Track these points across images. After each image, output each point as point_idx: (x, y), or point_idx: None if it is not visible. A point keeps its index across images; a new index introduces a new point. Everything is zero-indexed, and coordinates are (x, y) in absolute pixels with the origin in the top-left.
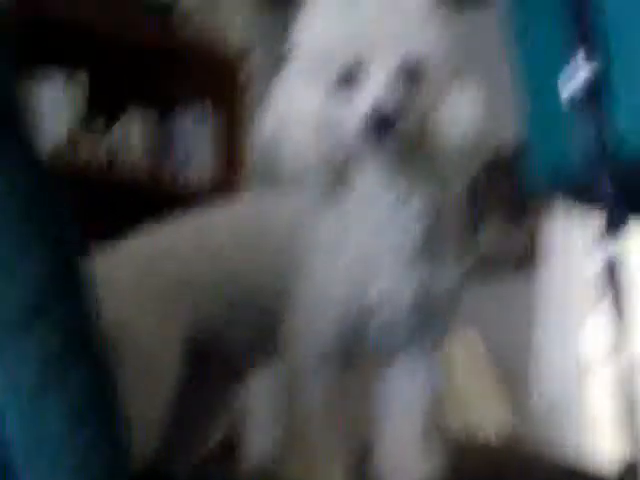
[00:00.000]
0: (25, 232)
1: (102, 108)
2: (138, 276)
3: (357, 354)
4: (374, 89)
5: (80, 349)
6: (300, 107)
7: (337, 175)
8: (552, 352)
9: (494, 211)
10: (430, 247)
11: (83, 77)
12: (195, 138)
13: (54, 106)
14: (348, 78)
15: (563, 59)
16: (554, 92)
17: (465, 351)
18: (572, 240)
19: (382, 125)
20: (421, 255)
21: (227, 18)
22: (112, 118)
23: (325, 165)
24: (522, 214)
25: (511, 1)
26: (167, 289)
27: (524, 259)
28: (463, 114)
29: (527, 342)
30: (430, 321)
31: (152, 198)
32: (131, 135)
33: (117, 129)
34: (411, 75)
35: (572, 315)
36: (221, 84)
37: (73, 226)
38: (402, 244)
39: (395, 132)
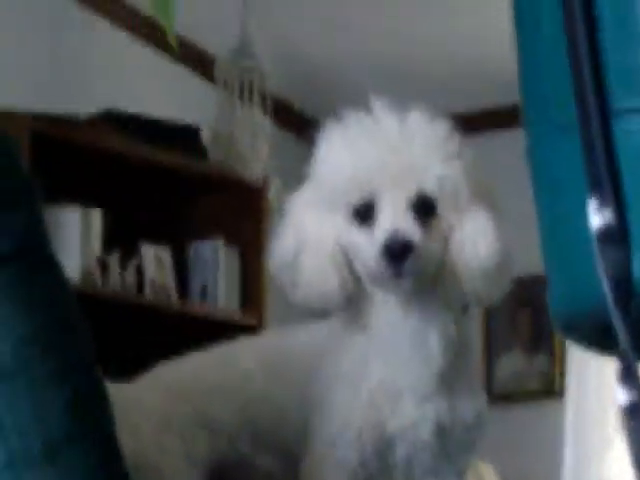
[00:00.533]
0: (58, 360)
1: (117, 244)
2: (166, 401)
3: None
4: (390, 220)
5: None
6: (316, 234)
7: (354, 305)
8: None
9: (514, 343)
10: (448, 380)
11: (98, 213)
12: (212, 270)
13: (69, 241)
14: (363, 209)
15: (582, 196)
16: (574, 226)
17: None
18: (596, 368)
19: (399, 253)
20: (440, 388)
21: (246, 150)
22: (127, 254)
23: (341, 293)
24: (543, 344)
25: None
26: (193, 416)
27: (546, 390)
28: (479, 239)
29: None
30: (451, 453)
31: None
32: (146, 270)
33: (132, 265)
34: (425, 207)
35: (597, 443)
36: (240, 215)
37: (95, 353)
38: (421, 377)
39: (412, 260)
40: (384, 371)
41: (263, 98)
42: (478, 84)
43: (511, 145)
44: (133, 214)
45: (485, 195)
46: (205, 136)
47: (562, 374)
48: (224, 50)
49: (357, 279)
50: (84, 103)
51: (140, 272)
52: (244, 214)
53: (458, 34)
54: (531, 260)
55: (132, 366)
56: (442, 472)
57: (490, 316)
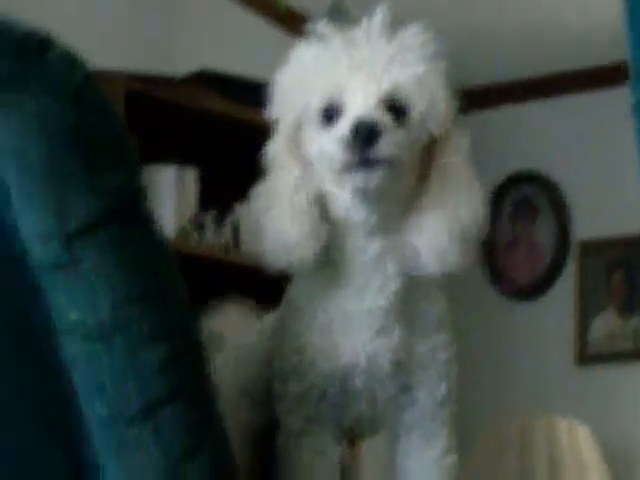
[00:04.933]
0: (155, 320)
1: (213, 203)
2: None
3: (348, 419)
4: (357, 110)
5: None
6: (277, 184)
7: (322, 251)
8: None
9: (608, 303)
10: (406, 315)
11: (193, 172)
12: None
13: (165, 201)
14: (331, 110)
15: None
16: None
17: (571, 442)
18: None
19: (366, 133)
20: (397, 321)
21: None
22: (223, 212)
23: (313, 246)
24: (637, 305)
25: None
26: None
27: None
28: (462, 214)
29: None
30: (413, 387)
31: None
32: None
33: (227, 223)
34: (398, 107)
35: None
36: None
37: (193, 312)
38: (377, 306)
39: (382, 145)
40: (341, 300)
41: None
42: (582, 41)
43: (612, 103)
44: (228, 173)
45: (463, 149)
46: None
47: None
48: (318, 9)
49: (329, 227)
50: (179, 64)
51: (236, 231)
52: None
53: None
54: (626, 222)
55: None
56: (406, 403)
57: (584, 276)
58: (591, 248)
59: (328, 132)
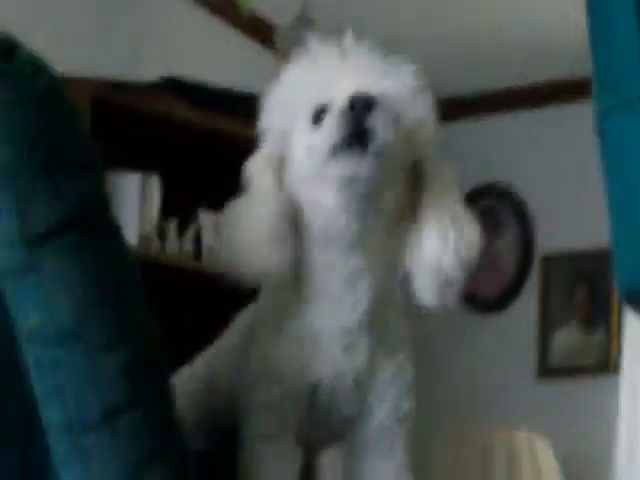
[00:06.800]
0: (116, 325)
1: (175, 211)
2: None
3: (310, 430)
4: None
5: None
6: (254, 200)
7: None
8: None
9: (571, 317)
10: (373, 331)
11: (157, 180)
12: None
13: (128, 208)
14: (321, 112)
15: None
16: None
17: (530, 455)
18: None
19: (363, 104)
20: (364, 337)
21: None
22: (185, 221)
23: (285, 261)
24: (600, 320)
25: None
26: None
27: (602, 366)
28: (450, 237)
29: (603, 454)
30: (373, 405)
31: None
32: (204, 237)
33: (190, 232)
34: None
35: None
36: None
37: (152, 313)
38: (348, 322)
39: (379, 120)
40: (311, 316)
41: None
42: (547, 55)
43: (576, 117)
44: (192, 181)
45: (451, 181)
46: None
47: (619, 350)
48: (284, 18)
49: (301, 242)
50: (144, 71)
51: (198, 239)
52: None
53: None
54: (589, 235)
55: (189, 332)
56: (366, 419)
57: (547, 290)
58: (554, 262)
59: (317, 130)
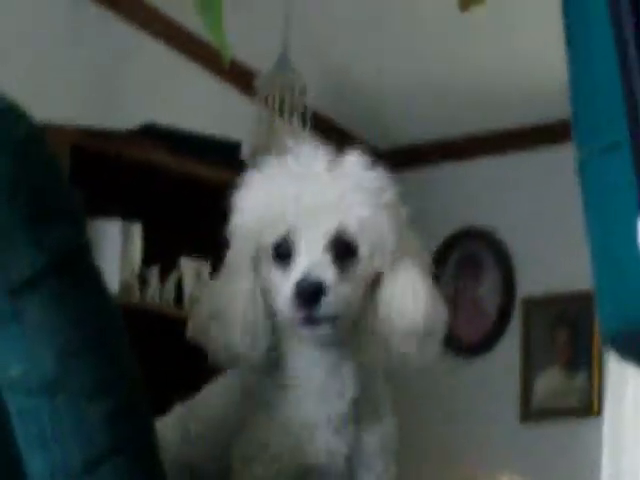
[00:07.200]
0: (100, 372)
1: (157, 258)
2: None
3: None
4: (305, 260)
5: None
6: (231, 290)
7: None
8: None
9: (553, 360)
10: (358, 408)
11: (138, 227)
12: None
13: (109, 255)
14: (282, 248)
15: (634, 213)
16: (626, 243)
17: None
18: (635, 387)
19: (309, 296)
20: (351, 418)
21: None
22: (167, 267)
23: (256, 341)
24: (582, 363)
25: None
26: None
27: (584, 409)
28: (408, 299)
29: None
30: (363, 477)
31: None
32: (186, 284)
33: (171, 279)
34: (345, 249)
35: (634, 463)
36: None
37: (136, 365)
38: (336, 408)
39: (325, 306)
40: (300, 403)
41: (303, 113)
42: (528, 99)
43: (556, 161)
44: (173, 228)
45: (416, 253)
46: (245, 151)
47: (601, 393)
48: (264, 64)
49: (275, 326)
50: (123, 118)
51: (179, 286)
52: None
53: (507, 55)
54: (570, 278)
55: (171, 379)
56: None
57: (529, 333)
58: (535, 305)
59: (281, 273)
